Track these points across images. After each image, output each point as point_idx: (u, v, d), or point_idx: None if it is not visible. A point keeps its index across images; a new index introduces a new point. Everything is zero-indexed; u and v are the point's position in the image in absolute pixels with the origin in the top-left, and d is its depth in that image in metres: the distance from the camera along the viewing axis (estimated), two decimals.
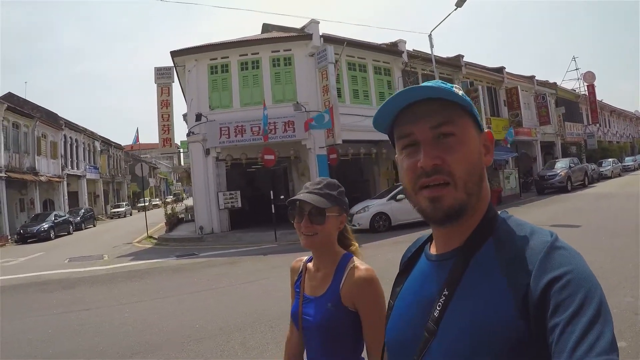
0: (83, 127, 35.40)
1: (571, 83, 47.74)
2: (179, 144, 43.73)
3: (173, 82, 17.96)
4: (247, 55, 17.20)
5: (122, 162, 45.42)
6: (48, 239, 22.00)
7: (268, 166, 16.02)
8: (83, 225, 27.84)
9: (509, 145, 24.90)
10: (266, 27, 22.71)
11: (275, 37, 17.81)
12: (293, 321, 1.62)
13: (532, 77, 29.77)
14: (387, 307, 0.99)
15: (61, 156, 31.23)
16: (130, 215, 39.02)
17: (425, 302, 0.83)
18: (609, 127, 44.41)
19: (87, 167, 35.73)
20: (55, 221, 23.74)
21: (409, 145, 0.84)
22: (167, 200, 40.57)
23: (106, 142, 40.29)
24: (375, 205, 14.65)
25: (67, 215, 26.16)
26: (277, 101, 16.71)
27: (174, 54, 17.20)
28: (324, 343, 1.49)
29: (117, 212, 37.48)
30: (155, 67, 17.64)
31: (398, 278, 0.98)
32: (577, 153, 31.90)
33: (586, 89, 34.60)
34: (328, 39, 17.35)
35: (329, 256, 1.54)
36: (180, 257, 12.60)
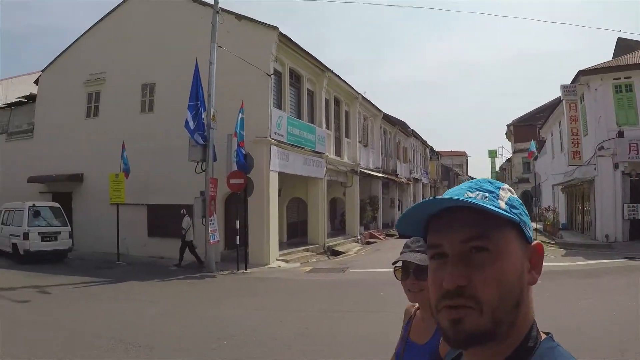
0: (419, 135, 40.64)
1: None
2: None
3: (577, 99, 19.43)
4: None
5: (440, 168, 50.13)
6: None
7: None
8: None
9: None
10: (623, 42, 22.50)
11: None
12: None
13: None
14: None
15: (409, 161, 36.59)
16: None
17: None
18: None
19: (422, 171, 40.90)
20: None
21: (438, 255, 0.77)
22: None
23: (432, 150, 45.25)
24: None
25: None
26: None
27: (582, 72, 18.61)
28: None
29: None
30: (561, 85, 19.16)
31: None
32: None
33: None
34: None
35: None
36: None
